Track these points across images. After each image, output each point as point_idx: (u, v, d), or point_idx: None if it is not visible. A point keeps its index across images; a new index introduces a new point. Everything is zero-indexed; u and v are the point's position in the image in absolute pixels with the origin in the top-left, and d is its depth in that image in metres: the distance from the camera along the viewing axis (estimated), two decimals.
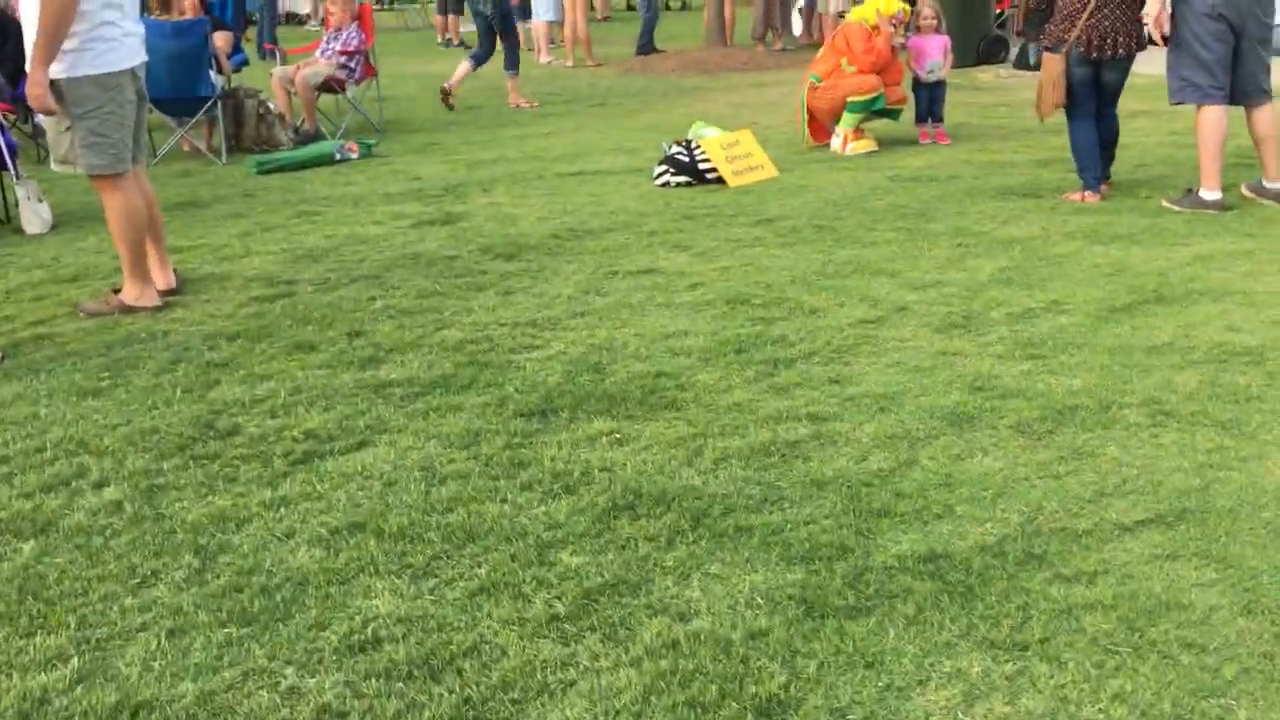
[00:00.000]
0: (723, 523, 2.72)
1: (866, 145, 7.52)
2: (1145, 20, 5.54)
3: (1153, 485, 2.81)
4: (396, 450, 3.20)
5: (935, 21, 7.58)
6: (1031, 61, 11.47)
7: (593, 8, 17.87)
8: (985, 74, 11.29)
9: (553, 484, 2.96)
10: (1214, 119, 5.41)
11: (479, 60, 10.36)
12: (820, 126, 7.76)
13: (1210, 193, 5.50)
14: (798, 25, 15.08)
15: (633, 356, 3.88)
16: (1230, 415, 3.19)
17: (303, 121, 8.85)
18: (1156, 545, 2.53)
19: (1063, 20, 5.66)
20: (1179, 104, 5.58)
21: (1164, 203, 5.68)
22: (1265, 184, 5.62)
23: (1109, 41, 5.59)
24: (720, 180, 6.66)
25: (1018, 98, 9.77)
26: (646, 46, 14.48)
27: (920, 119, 7.82)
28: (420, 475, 3.03)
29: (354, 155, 8.00)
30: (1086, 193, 5.85)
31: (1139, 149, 7.01)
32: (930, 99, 7.75)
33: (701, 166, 6.71)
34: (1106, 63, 5.66)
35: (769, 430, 3.22)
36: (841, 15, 14.28)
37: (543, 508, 2.84)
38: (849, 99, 7.35)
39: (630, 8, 21.38)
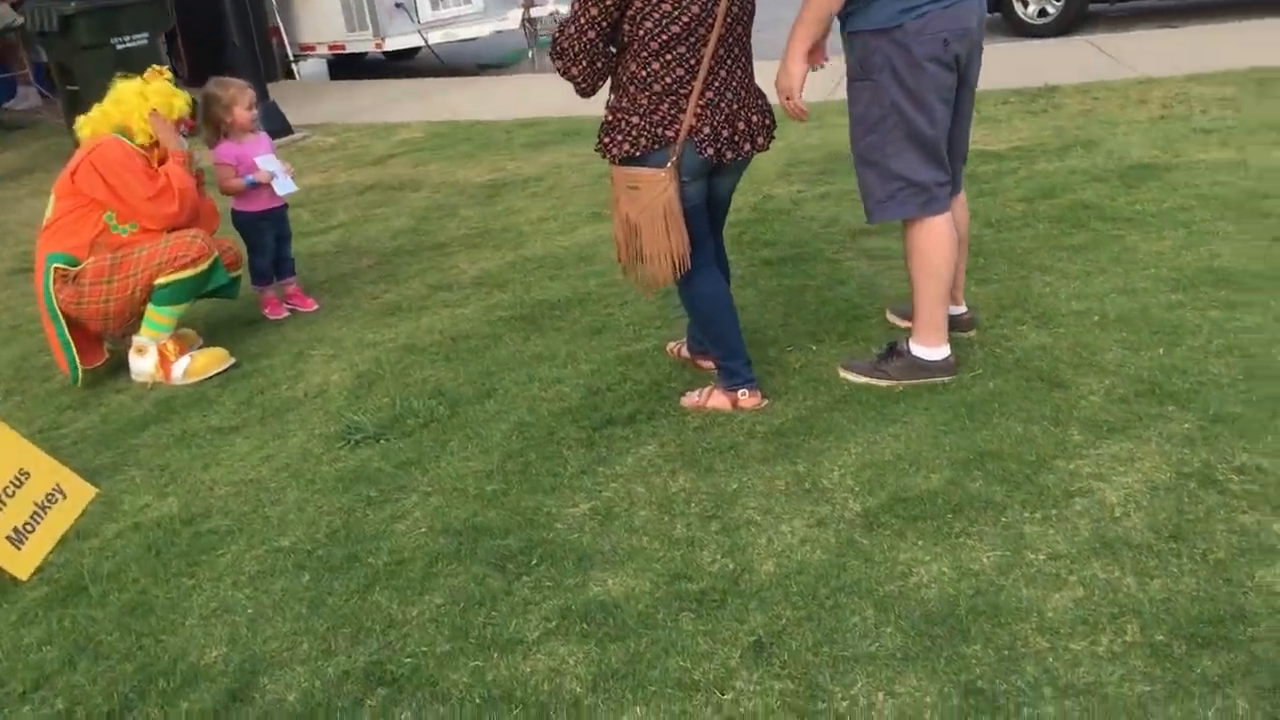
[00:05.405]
0: None
1: (215, 360, 4.02)
2: (777, 86, 3.08)
3: None
4: None
5: (254, 113, 4.28)
6: None
7: None
8: None
9: None
10: (944, 235, 3.16)
11: None
12: (90, 337, 4.06)
13: (933, 349, 3.30)
14: None
15: None
16: None
17: None
18: None
19: (653, 103, 2.93)
20: (885, 220, 3.23)
21: (846, 374, 3.39)
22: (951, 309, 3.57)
23: (741, 129, 3.05)
24: None
25: None
26: None
27: (263, 278, 4.51)
28: None
29: None
30: (742, 392, 3.28)
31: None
32: (278, 238, 4.47)
33: None
34: (728, 165, 3.12)
35: None
36: None
37: None
38: (157, 282, 3.82)
39: None
